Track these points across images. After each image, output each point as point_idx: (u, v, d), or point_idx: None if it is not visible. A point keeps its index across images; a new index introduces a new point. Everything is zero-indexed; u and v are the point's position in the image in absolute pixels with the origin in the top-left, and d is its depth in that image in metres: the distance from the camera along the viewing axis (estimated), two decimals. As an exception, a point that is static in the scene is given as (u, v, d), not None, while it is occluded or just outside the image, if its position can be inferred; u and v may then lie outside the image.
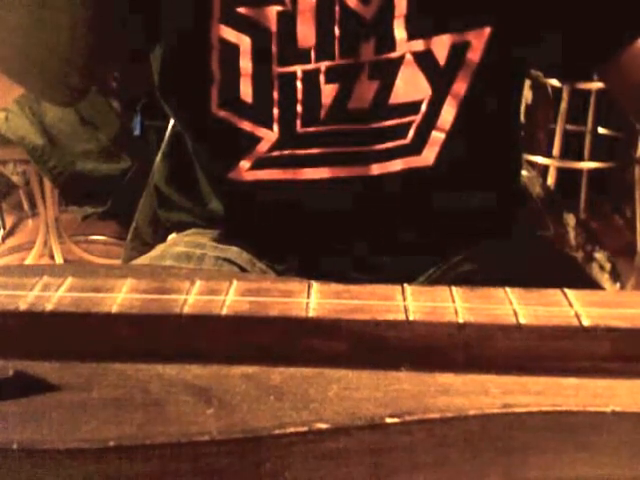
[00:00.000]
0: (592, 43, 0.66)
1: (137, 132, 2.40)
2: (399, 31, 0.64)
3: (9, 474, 0.33)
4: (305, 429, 0.33)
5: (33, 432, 0.34)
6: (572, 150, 2.48)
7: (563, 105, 2.40)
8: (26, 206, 2.68)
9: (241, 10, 0.64)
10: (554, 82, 2.28)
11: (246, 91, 0.67)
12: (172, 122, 0.86)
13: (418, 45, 0.65)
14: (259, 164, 0.70)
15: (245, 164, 0.70)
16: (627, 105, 0.71)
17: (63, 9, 0.62)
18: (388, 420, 0.34)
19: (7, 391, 0.36)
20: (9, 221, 2.68)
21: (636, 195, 2.31)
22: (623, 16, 0.65)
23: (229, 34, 0.65)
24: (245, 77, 0.66)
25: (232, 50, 0.66)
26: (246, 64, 0.66)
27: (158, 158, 0.88)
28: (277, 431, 0.33)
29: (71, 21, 0.63)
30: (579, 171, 2.54)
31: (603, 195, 2.65)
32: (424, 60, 0.66)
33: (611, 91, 0.73)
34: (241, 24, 0.65)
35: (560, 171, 2.46)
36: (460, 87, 0.67)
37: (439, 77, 0.66)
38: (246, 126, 0.68)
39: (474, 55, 0.66)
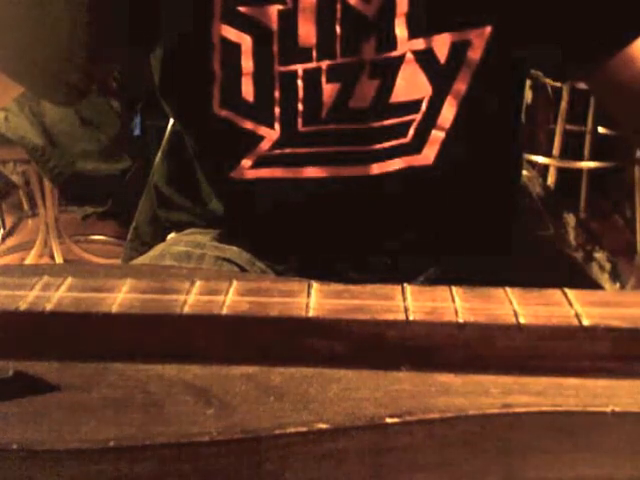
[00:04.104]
0: (585, 45, 0.66)
1: (137, 132, 2.40)
2: (400, 30, 0.64)
3: (9, 474, 0.32)
4: (305, 429, 0.33)
5: (33, 432, 0.34)
6: (572, 150, 2.48)
7: (563, 105, 2.40)
8: (26, 206, 2.68)
9: (242, 9, 0.64)
10: (553, 80, 2.27)
11: (247, 90, 0.67)
12: (172, 122, 0.86)
13: (419, 44, 0.65)
14: (260, 163, 0.70)
15: (247, 163, 0.70)
16: (615, 109, 0.71)
17: (63, 9, 0.62)
18: (388, 420, 0.34)
19: (7, 391, 0.36)
20: (9, 221, 2.68)
21: (636, 195, 2.31)
22: (622, 17, 0.65)
23: (230, 33, 0.65)
24: (246, 76, 0.67)
25: (233, 49, 0.66)
26: (247, 63, 0.66)
27: (158, 158, 0.88)
28: (277, 431, 0.33)
29: (71, 21, 0.63)
30: (579, 171, 2.54)
31: (603, 195, 2.65)
32: (425, 59, 0.66)
33: (597, 95, 0.73)
34: (242, 23, 0.65)
35: (560, 171, 2.46)
36: (460, 86, 0.67)
37: (440, 76, 0.66)
38: (248, 125, 0.69)
39: (475, 54, 0.66)
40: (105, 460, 0.32)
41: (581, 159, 2.50)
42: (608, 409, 0.34)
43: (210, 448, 0.33)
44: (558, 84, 2.29)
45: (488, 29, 0.65)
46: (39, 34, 0.63)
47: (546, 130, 2.50)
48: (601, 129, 2.50)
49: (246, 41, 0.65)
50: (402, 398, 0.35)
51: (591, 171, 2.53)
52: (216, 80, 0.68)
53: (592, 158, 2.49)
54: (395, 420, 0.34)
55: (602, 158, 2.47)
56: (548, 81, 2.29)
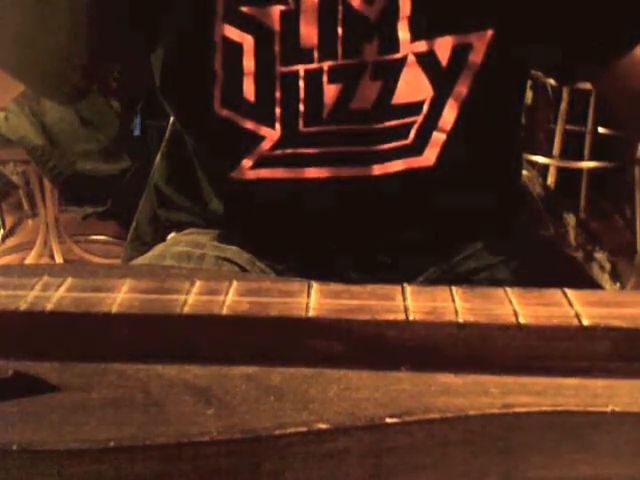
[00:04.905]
0: (592, 47, 0.66)
1: (137, 132, 2.40)
2: (403, 32, 0.64)
3: (9, 474, 0.32)
4: (305, 429, 0.33)
5: (33, 433, 0.34)
6: (572, 150, 2.48)
7: (563, 105, 2.40)
8: (26, 206, 2.67)
9: (244, 9, 0.65)
10: (554, 82, 2.28)
11: (249, 90, 0.67)
12: (172, 122, 0.86)
13: (421, 46, 0.65)
14: (261, 163, 0.70)
15: (247, 163, 0.70)
16: (621, 111, 0.72)
17: (64, 9, 0.62)
18: (388, 420, 0.34)
19: (7, 391, 0.36)
20: (9, 221, 2.68)
21: (636, 195, 2.31)
22: (623, 22, 0.65)
23: (232, 33, 0.65)
24: (248, 76, 0.67)
25: (235, 49, 0.66)
26: (249, 63, 0.66)
27: (158, 158, 0.88)
28: (277, 431, 0.33)
29: (71, 21, 0.63)
30: (579, 171, 2.54)
31: (603, 195, 2.65)
32: (427, 61, 0.66)
33: (605, 97, 0.73)
34: (244, 23, 0.65)
35: (560, 171, 2.46)
36: (462, 88, 0.67)
37: (441, 78, 0.67)
38: (249, 125, 0.69)
39: (476, 57, 0.66)
40: (105, 460, 0.32)
41: (581, 159, 2.50)
42: (608, 409, 0.34)
43: (210, 448, 0.33)
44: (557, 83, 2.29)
45: (490, 32, 0.65)
46: (39, 35, 0.63)
47: (546, 130, 2.50)
48: (601, 129, 2.50)
49: (248, 41, 0.65)
50: (402, 398, 0.35)
51: (591, 171, 2.53)
52: (217, 80, 0.68)
53: (592, 158, 2.49)
54: (395, 420, 0.34)
55: (602, 158, 2.47)
56: (548, 81, 2.29)
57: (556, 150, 2.44)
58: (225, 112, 0.69)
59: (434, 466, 0.34)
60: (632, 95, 0.67)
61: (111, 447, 0.32)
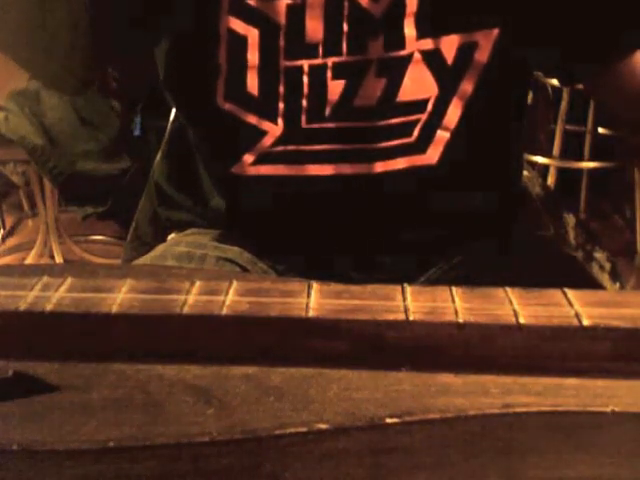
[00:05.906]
0: (594, 48, 0.66)
1: (137, 132, 2.40)
2: (409, 29, 0.65)
3: (9, 474, 0.32)
4: (305, 429, 0.33)
5: (33, 433, 0.34)
6: (572, 150, 2.48)
7: (563, 105, 2.40)
8: (26, 206, 2.67)
9: (250, 2, 0.65)
10: (554, 82, 2.28)
11: (252, 84, 0.67)
12: (172, 121, 0.86)
13: (427, 44, 0.65)
14: (263, 159, 0.70)
15: (249, 158, 0.70)
16: (621, 113, 0.72)
17: (63, 10, 0.62)
18: (388, 420, 0.34)
19: (7, 391, 0.36)
20: (9, 221, 2.67)
21: (636, 195, 2.31)
22: (625, 24, 0.65)
23: (238, 26, 0.65)
24: (252, 69, 0.67)
25: (240, 42, 0.66)
26: (253, 56, 0.66)
27: (158, 157, 0.88)
28: (277, 432, 0.33)
29: (71, 21, 0.63)
30: (579, 171, 2.54)
31: (603, 195, 2.65)
32: (432, 59, 0.66)
33: (602, 99, 0.73)
34: (250, 16, 0.65)
35: (560, 171, 2.45)
36: (467, 87, 0.67)
37: (446, 76, 0.67)
38: (251, 119, 0.69)
39: (481, 56, 0.66)
40: (105, 460, 0.33)
41: (581, 159, 2.49)
42: (608, 409, 0.34)
43: (210, 448, 0.33)
44: (558, 84, 2.29)
45: (495, 31, 0.65)
46: (40, 34, 0.63)
47: (546, 130, 2.50)
48: (601, 129, 2.50)
49: (253, 34, 0.65)
50: (402, 398, 0.35)
51: (591, 171, 2.53)
52: (221, 73, 0.68)
53: (592, 158, 2.49)
54: (395, 420, 0.34)
55: (602, 158, 2.47)
56: (548, 81, 2.29)
57: (556, 150, 2.44)
58: (228, 106, 0.69)
59: (434, 466, 0.34)
60: (632, 97, 0.67)
61: (111, 447, 0.32)
